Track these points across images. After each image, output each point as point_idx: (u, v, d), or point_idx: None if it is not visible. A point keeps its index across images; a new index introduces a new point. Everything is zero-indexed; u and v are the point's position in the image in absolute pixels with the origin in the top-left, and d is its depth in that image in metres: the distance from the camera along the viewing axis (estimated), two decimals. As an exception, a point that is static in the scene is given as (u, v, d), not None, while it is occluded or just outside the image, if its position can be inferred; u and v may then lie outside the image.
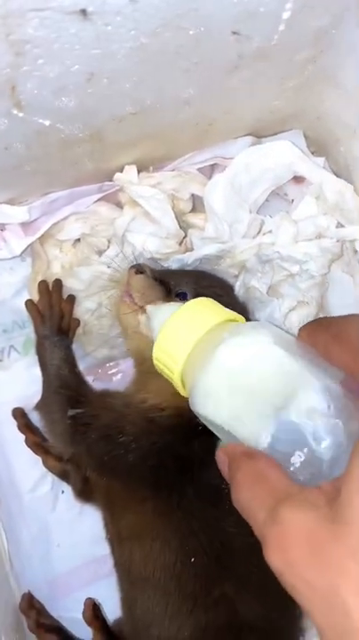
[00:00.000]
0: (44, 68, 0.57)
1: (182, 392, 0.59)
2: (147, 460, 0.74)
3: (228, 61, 0.69)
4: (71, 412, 0.78)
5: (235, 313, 0.61)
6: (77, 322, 0.89)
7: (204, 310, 0.60)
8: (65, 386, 0.83)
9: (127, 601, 0.80)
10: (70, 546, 0.93)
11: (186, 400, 0.57)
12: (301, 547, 0.35)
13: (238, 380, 0.50)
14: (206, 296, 0.66)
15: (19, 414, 0.90)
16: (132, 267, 0.80)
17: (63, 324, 0.87)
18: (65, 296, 0.89)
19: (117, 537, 0.80)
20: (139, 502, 0.76)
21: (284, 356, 0.49)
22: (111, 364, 0.96)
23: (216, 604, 0.71)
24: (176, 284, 0.80)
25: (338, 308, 0.90)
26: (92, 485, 0.85)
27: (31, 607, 0.86)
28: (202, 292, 0.76)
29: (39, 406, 0.85)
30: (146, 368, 0.78)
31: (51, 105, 0.64)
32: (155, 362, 0.61)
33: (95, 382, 0.93)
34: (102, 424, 0.77)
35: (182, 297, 0.78)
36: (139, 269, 0.79)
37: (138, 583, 0.77)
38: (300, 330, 0.52)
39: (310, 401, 0.46)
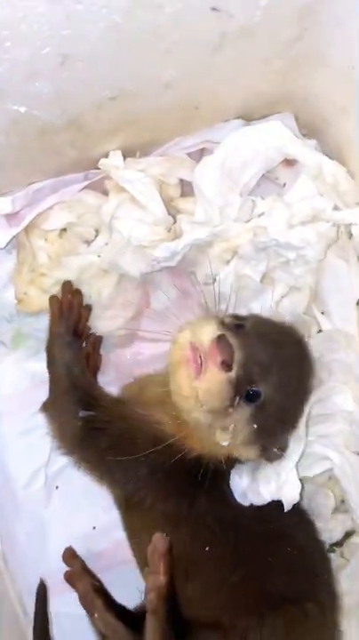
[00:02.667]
0: (13, 50, 0.54)
1: None
2: (158, 472, 0.74)
3: (210, 41, 0.66)
4: (83, 414, 0.77)
5: None
6: (89, 329, 0.88)
7: None
8: (76, 386, 0.80)
9: None
10: (66, 541, 0.91)
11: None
12: None
13: None
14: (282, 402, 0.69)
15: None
16: (223, 346, 0.67)
17: (79, 326, 0.86)
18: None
19: (131, 531, 0.82)
20: (148, 508, 0.76)
21: None
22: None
23: (241, 583, 0.72)
24: (253, 377, 0.69)
25: (332, 292, 0.87)
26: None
27: (74, 557, 0.85)
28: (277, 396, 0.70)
29: (47, 407, 0.83)
30: (178, 415, 0.73)
31: (25, 91, 0.62)
32: None
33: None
34: (115, 432, 0.76)
35: (251, 398, 0.69)
36: (226, 362, 0.67)
37: None
38: None
39: None
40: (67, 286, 0.87)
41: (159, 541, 0.72)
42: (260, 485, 0.75)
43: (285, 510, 0.75)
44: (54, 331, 0.84)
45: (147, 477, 0.75)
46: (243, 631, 0.70)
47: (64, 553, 0.85)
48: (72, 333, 0.84)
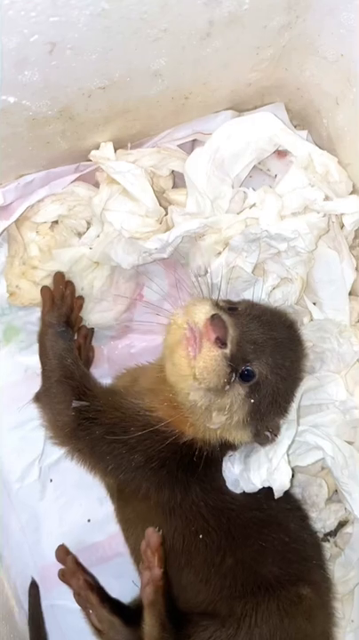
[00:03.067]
0: (1, 38, 0.54)
1: None
2: (152, 461, 0.74)
3: (199, 28, 0.66)
4: (76, 404, 0.77)
5: None
6: (81, 320, 0.87)
7: None
8: (69, 376, 0.80)
9: None
10: (60, 534, 0.91)
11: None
12: None
13: None
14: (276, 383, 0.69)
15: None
16: (217, 324, 0.68)
17: (71, 317, 0.85)
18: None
19: (125, 521, 0.82)
20: (142, 497, 0.76)
21: None
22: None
23: (235, 569, 0.74)
24: (247, 356, 0.70)
25: (324, 283, 0.87)
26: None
27: (67, 554, 0.84)
28: (271, 376, 0.71)
29: (39, 396, 0.83)
30: (174, 396, 0.74)
31: (14, 79, 0.61)
32: None
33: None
34: (108, 421, 0.76)
35: (246, 378, 0.70)
36: (221, 339, 0.68)
37: None
38: None
39: None
40: (59, 277, 0.86)
41: (152, 536, 0.73)
42: (251, 471, 0.75)
43: (276, 497, 0.75)
44: (46, 320, 0.84)
45: (140, 466, 0.75)
46: (239, 617, 0.70)
47: (56, 551, 0.85)
48: (64, 323, 0.83)
